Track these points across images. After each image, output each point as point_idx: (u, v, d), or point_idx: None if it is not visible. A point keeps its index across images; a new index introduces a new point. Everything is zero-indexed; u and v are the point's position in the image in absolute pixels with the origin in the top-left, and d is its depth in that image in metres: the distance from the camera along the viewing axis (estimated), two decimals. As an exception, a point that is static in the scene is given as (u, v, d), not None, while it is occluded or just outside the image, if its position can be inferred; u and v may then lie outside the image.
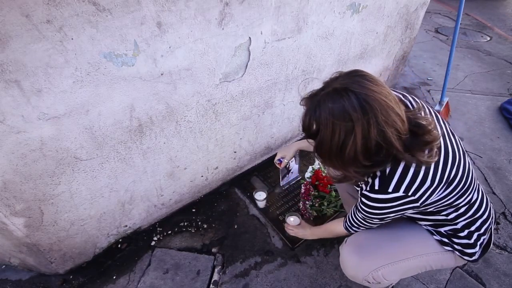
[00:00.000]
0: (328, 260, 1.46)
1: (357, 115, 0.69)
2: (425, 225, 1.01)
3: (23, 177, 1.01)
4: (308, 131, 0.81)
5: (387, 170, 0.80)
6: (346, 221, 1.07)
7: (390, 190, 0.79)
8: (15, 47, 0.80)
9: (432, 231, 0.99)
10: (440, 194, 0.83)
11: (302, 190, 1.71)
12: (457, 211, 0.90)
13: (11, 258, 1.35)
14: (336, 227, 1.18)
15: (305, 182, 1.75)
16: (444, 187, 0.82)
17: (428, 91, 2.86)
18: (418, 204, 0.81)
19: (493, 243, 1.53)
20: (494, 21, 4.65)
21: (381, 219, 0.91)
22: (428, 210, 0.90)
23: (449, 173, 0.81)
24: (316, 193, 1.71)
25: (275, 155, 2.03)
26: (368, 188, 0.84)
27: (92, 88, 1.00)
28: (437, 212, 0.91)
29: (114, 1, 0.89)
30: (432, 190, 0.80)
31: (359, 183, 0.91)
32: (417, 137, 0.76)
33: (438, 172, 0.80)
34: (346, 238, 1.11)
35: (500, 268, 1.43)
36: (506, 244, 1.54)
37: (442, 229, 0.97)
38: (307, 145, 1.39)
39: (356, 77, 0.74)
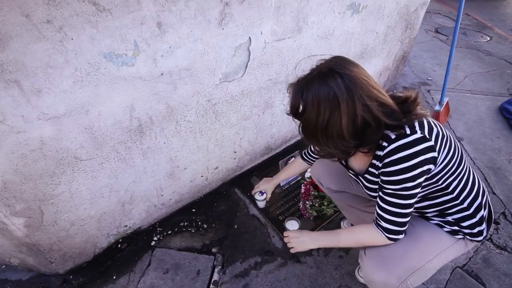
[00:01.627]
0: (328, 260, 1.46)
1: (341, 93, 0.75)
2: (433, 216, 1.01)
3: (23, 177, 1.02)
4: (295, 112, 0.86)
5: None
6: (377, 219, 0.94)
7: (408, 132, 0.81)
8: (15, 47, 0.80)
9: (441, 223, 1.00)
10: (446, 155, 0.85)
11: (302, 190, 1.71)
12: (460, 182, 0.92)
13: (11, 258, 1.35)
14: (360, 232, 1.01)
15: (305, 182, 1.75)
16: (447, 146, 0.86)
17: (428, 91, 2.86)
18: (435, 154, 0.81)
19: (493, 244, 1.54)
20: (494, 21, 4.65)
21: (412, 180, 0.82)
22: (438, 184, 0.90)
23: (446, 132, 0.88)
24: (316, 193, 1.71)
25: (275, 155, 2.04)
26: (386, 144, 0.84)
27: (92, 88, 1.00)
28: (445, 188, 0.91)
29: (114, 1, 0.89)
30: (441, 139, 0.84)
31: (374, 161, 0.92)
32: (405, 103, 0.85)
33: (437, 125, 0.87)
34: (363, 250, 1.03)
35: (500, 268, 1.43)
36: (506, 244, 1.54)
37: (450, 218, 0.97)
38: (280, 179, 1.49)
39: (339, 60, 0.81)
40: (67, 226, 1.25)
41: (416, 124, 0.83)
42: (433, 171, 0.86)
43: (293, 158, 1.72)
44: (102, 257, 1.47)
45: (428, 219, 1.03)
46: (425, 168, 0.82)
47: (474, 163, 2.04)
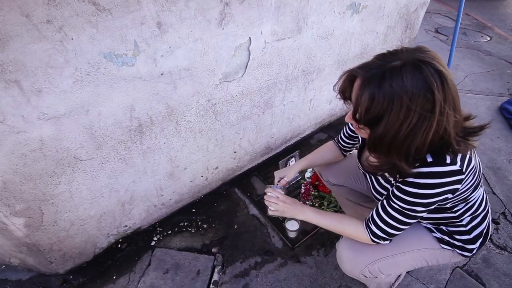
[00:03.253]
0: (328, 260, 1.46)
1: (439, 94, 0.61)
2: (427, 223, 1.01)
3: (23, 177, 1.01)
4: (366, 114, 0.67)
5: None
6: (369, 221, 0.90)
7: (448, 161, 0.70)
8: (15, 47, 0.80)
9: (433, 228, 0.99)
10: (465, 185, 0.80)
11: (302, 190, 1.71)
12: (466, 206, 0.89)
13: (11, 258, 1.35)
14: (348, 225, 0.95)
15: (305, 182, 1.75)
16: (472, 175, 0.79)
17: (428, 91, 2.86)
18: (459, 186, 0.75)
19: (493, 244, 1.53)
20: (494, 21, 4.65)
21: (425, 206, 0.78)
22: (445, 206, 0.87)
23: (477, 162, 0.81)
24: (316, 193, 1.71)
25: (275, 155, 2.04)
26: (417, 164, 0.74)
27: (92, 88, 1.00)
28: (449, 209, 0.89)
29: (114, 1, 0.89)
30: (473, 172, 0.77)
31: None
32: (464, 124, 0.74)
33: (475, 157, 0.80)
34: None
35: (500, 268, 1.43)
36: (506, 244, 1.54)
37: (444, 227, 0.97)
38: (308, 163, 1.25)
39: (429, 52, 0.66)
40: (67, 226, 1.25)
41: (459, 154, 0.73)
42: (448, 198, 0.81)
43: (293, 158, 1.72)
44: (102, 257, 1.47)
45: (419, 221, 1.02)
46: (442, 197, 0.76)
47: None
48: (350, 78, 0.73)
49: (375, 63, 0.67)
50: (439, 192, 0.74)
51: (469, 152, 0.76)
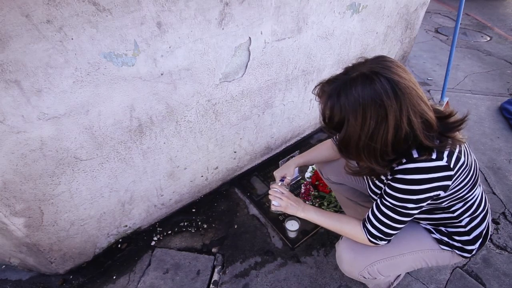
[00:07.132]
0: (328, 260, 1.46)
1: (390, 102, 0.67)
2: (426, 224, 1.01)
3: (23, 177, 1.02)
4: (330, 121, 0.75)
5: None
6: (366, 220, 0.91)
7: (434, 157, 0.74)
8: (15, 47, 0.80)
9: (432, 229, 0.99)
10: (460, 183, 0.81)
11: (302, 190, 1.71)
12: (464, 205, 0.89)
13: (11, 258, 1.35)
14: (347, 224, 0.97)
15: (305, 182, 1.75)
16: (465, 175, 0.81)
17: (428, 91, 2.86)
18: (449, 183, 0.76)
19: (493, 244, 1.54)
20: (494, 21, 4.65)
21: (415, 203, 0.79)
22: (442, 205, 0.88)
23: (469, 160, 0.82)
24: (316, 193, 1.71)
25: (275, 155, 2.04)
26: (404, 160, 0.77)
27: (92, 88, 1.00)
28: (447, 209, 0.89)
29: (114, 1, 0.89)
30: (463, 169, 0.78)
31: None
32: (445, 120, 0.78)
33: (465, 153, 0.81)
34: (342, 236, 1.06)
35: (500, 268, 1.43)
36: (506, 244, 1.54)
37: (443, 228, 0.97)
38: (305, 160, 1.28)
39: (384, 62, 0.71)
40: (67, 226, 1.25)
41: (446, 150, 0.75)
42: (440, 196, 0.82)
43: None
44: (102, 257, 1.47)
45: (418, 222, 1.03)
46: (433, 194, 0.78)
47: (474, 163, 2.04)
48: (321, 89, 0.80)
49: (339, 77, 0.75)
50: (427, 188, 0.76)
51: (457, 150, 0.78)
